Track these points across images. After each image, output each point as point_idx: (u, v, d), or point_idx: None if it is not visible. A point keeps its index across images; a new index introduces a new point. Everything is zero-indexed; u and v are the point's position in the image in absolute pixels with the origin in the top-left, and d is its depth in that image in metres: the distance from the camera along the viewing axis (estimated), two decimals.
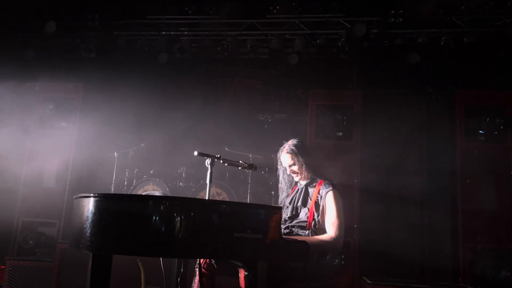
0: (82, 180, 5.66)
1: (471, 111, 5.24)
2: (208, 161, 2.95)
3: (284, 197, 3.40)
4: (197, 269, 2.97)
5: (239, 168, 3.25)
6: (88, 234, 2.25)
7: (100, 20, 6.37)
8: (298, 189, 3.30)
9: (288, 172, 3.29)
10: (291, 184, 3.40)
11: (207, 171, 2.96)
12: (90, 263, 2.26)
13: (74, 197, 2.52)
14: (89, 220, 2.25)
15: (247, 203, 3.41)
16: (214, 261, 2.94)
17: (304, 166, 3.22)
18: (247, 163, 3.23)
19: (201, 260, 2.96)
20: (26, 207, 5.63)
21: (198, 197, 5.75)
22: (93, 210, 2.26)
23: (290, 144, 3.28)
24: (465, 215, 5.01)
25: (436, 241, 5.66)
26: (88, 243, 2.24)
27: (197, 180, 6.05)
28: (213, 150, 3.16)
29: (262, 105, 6.65)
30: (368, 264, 5.15)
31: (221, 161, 3.06)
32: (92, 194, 2.29)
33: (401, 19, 5.86)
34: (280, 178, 3.42)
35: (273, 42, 6.21)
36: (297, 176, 3.27)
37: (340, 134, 5.54)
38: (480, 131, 5.13)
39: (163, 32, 6.46)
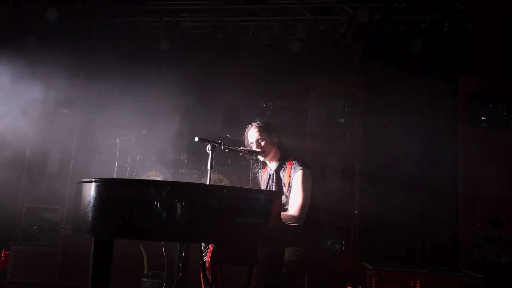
0: (85, 166, 5.69)
1: (473, 97, 5.24)
2: (209, 147, 2.96)
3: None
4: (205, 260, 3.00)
5: (240, 154, 3.25)
6: (90, 218, 2.27)
7: (101, 6, 6.33)
8: (269, 175, 3.22)
9: (254, 148, 3.15)
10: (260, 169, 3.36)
11: (208, 157, 2.97)
12: (92, 247, 2.29)
13: (76, 182, 2.54)
14: (91, 205, 2.27)
15: (247, 188, 3.43)
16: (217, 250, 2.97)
17: (272, 143, 3.14)
18: (248, 149, 3.23)
19: (208, 254, 2.99)
20: (30, 193, 5.70)
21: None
22: (94, 195, 2.28)
23: (257, 122, 3.22)
24: (466, 202, 5.04)
25: (437, 227, 5.69)
26: (90, 228, 2.27)
27: (199, 167, 6.07)
28: (214, 137, 3.16)
29: (263, 92, 6.62)
30: (369, 250, 5.20)
31: (222, 147, 3.06)
32: (94, 179, 2.31)
33: (404, 5, 5.79)
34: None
35: (275, 28, 6.16)
36: (263, 153, 3.14)
37: (342, 121, 5.55)
38: (483, 118, 5.12)
39: (165, 18, 6.42)
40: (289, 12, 6.24)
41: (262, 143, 3.14)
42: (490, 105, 5.10)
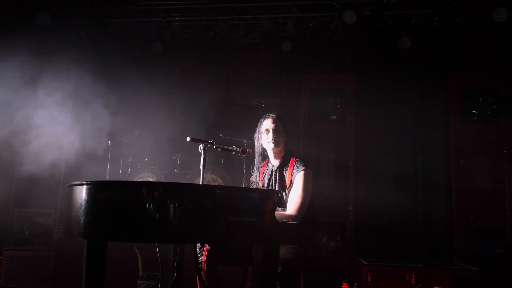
0: (77, 169, 5.65)
1: (464, 91, 5.27)
2: (201, 147, 2.95)
3: (254, 177, 3.32)
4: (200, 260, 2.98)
5: (233, 153, 3.24)
6: (82, 222, 2.25)
7: (91, 7, 6.28)
8: (272, 171, 3.18)
9: (268, 135, 3.11)
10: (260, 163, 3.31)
11: (201, 157, 2.96)
12: (85, 251, 2.26)
13: (67, 185, 2.51)
14: (83, 208, 2.25)
15: (240, 187, 3.42)
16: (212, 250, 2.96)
17: (284, 136, 3.13)
18: (240, 148, 3.22)
19: (204, 255, 2.97)
20: (21, 197, 5.65)
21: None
22: (86, 198, 2.25)
23: (275, 113, 3.21)
24: (459, 195, 5.07)
25: (430, 220, 5.72)
26: (82, 231, 2.24)
27: (192, 167, 6.06)
28: (207, 136, 3.14)
29: (255, 90, 6.63)
30: (364, 245, 5.22)
31: (214, 147, 3.05)
32: (85, 182, 2.28)
33: (393, 0, 5.80)
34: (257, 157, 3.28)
35: (266, 26, 6.16)
36: (275, 142, 3.10)
37: (334, 117, 5.56)
38: (473, 111, 5.16)
39: (155, 19, 6.38)
40: (279, 10, 6.23)
41: (280, 131, 3.12)
42: (480, 99, 5.14)
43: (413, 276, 4.26)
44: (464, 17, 5.67)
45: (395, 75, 6.07)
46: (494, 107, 5.08)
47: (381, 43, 6.07)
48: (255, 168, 3.33)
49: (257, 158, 3.29)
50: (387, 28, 5.94)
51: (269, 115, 3.20)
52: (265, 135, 3.14)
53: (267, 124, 3.15)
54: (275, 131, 3.11)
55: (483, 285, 4.26)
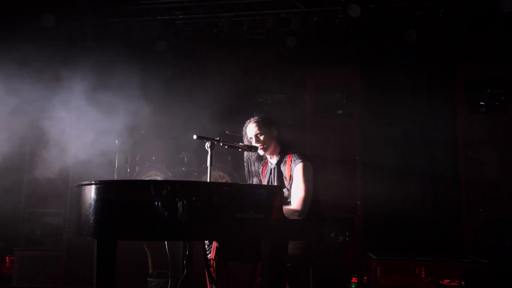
0: (85, 169, 5.69)
1: (471, 83, 5.24)
2: (207, 144, 2.95)
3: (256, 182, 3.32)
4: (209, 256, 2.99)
5: (240, 150, 3.24)
6: (91, 221, 2.27)
7: (94, 7, 6.29)
8: (270, 169, 3.20)
9: (254, 143, 3.13)
10: (259, 166, 3.33)
11: (207, 154, 2.96)
12: (95, 250, 2.29)
13: (76, 185, 2.54)
14: (92, 208, 2.27)
15: (248, 184, 3.41)
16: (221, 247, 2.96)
17: (271, 138, 3.13)
18: (247, 145, 3.22)
19: (212, 252, 2.98)
20: (31, 198, 5.71)
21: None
22: (95, 198, 2.27)
23: (255, 117, 3.21)
24: (468, 187, 5.05)
25: (439, 213, 5.69)
26: (92, 230, 2.26)
27: (200, 164, 6.07)
28: (213, 134, 3.15)
29: (260, 86, 6.61)
30: (373, 240, 5.21)
31: (221, 144, 3.05)
32: (93, 182, 2.30)
33: None
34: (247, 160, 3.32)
35: (269, 22, 6.14)
36: (263, 148, 3.13)
37: (340, 112, 5.55)
38: (481, 103, 5.13)
39: (158, 17, 6.39)
40: (283, 5, 6.20)
41: (261, 138, 3.12)
42: (488, 90, 5.10)
43: (423, 269, 4.26)
44: (470, 8, 5.60)
45: (400, 68, 6.03)
46: (502, 98, 5.04)
47: (386, 36, 6.02)
48: (255, 174, 3.34)
49: (255, 163, 3.31)
50: (392, 20, 5.89)
51: (248, 122, 3.22)
52: (254, 141, 3.15)
53: (250, 132, 3.17)
54: (258, 137, 3.13)
55: (493, 278, 4.24)
